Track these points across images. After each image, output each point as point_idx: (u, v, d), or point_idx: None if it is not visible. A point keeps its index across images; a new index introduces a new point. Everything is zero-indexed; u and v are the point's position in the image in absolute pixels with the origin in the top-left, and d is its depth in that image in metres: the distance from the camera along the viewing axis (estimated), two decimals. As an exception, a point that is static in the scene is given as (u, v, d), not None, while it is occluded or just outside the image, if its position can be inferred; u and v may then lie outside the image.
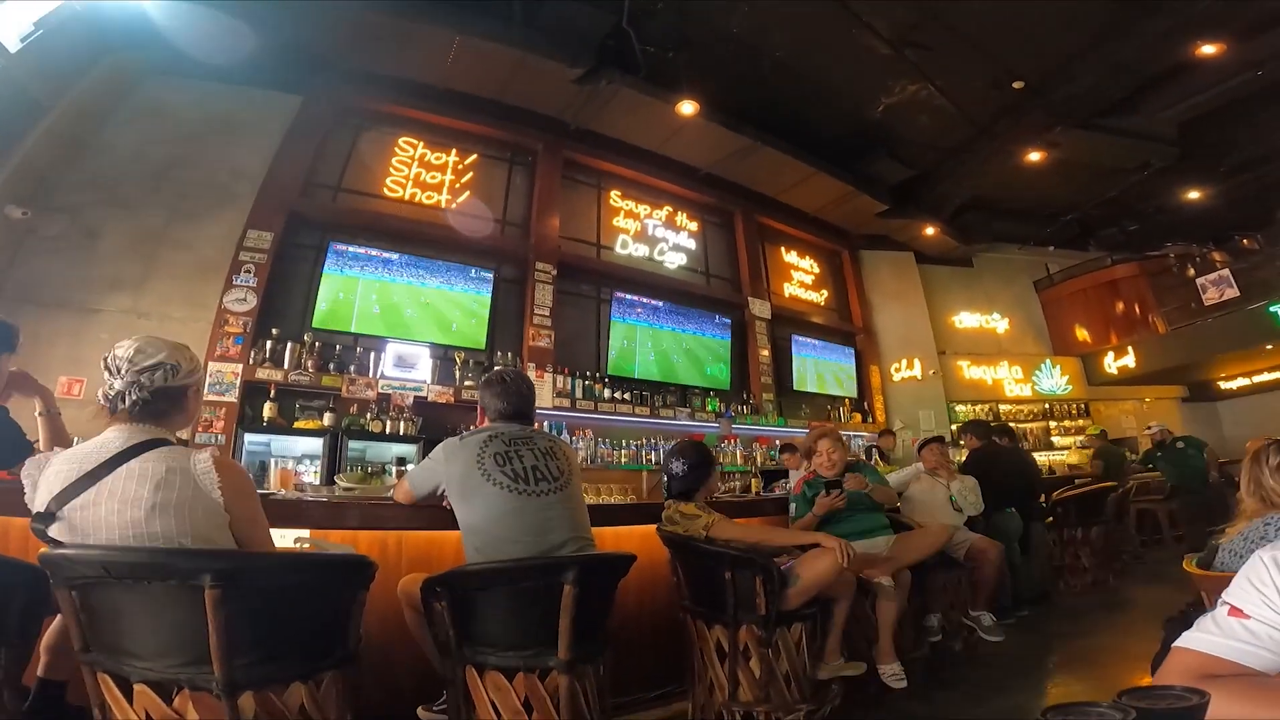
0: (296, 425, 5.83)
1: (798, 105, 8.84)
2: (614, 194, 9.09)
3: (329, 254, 6.61)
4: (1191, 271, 11.73)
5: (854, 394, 10.69)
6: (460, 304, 7.17)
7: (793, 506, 3.89)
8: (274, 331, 6.01)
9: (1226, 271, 10.98)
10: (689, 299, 9.15)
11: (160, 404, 1.71)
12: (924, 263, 12.24)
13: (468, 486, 2.34)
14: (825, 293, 11.25)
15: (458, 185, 7.73)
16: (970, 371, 12.18)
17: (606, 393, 7.59)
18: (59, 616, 1.87)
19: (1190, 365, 11.98)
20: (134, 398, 1.67)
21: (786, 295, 10.54)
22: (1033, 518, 5.60)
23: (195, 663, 1.48)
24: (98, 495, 1.55)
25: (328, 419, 5.86)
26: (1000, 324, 12.76)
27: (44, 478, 1.61)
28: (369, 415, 6.08)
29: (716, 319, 9.26)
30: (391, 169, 7.42)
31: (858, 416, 10.30)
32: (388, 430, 6.07)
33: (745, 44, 7.71)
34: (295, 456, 5.79)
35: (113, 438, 1.65)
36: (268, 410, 5.71)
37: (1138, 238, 12.95)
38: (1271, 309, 10.12)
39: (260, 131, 6.62)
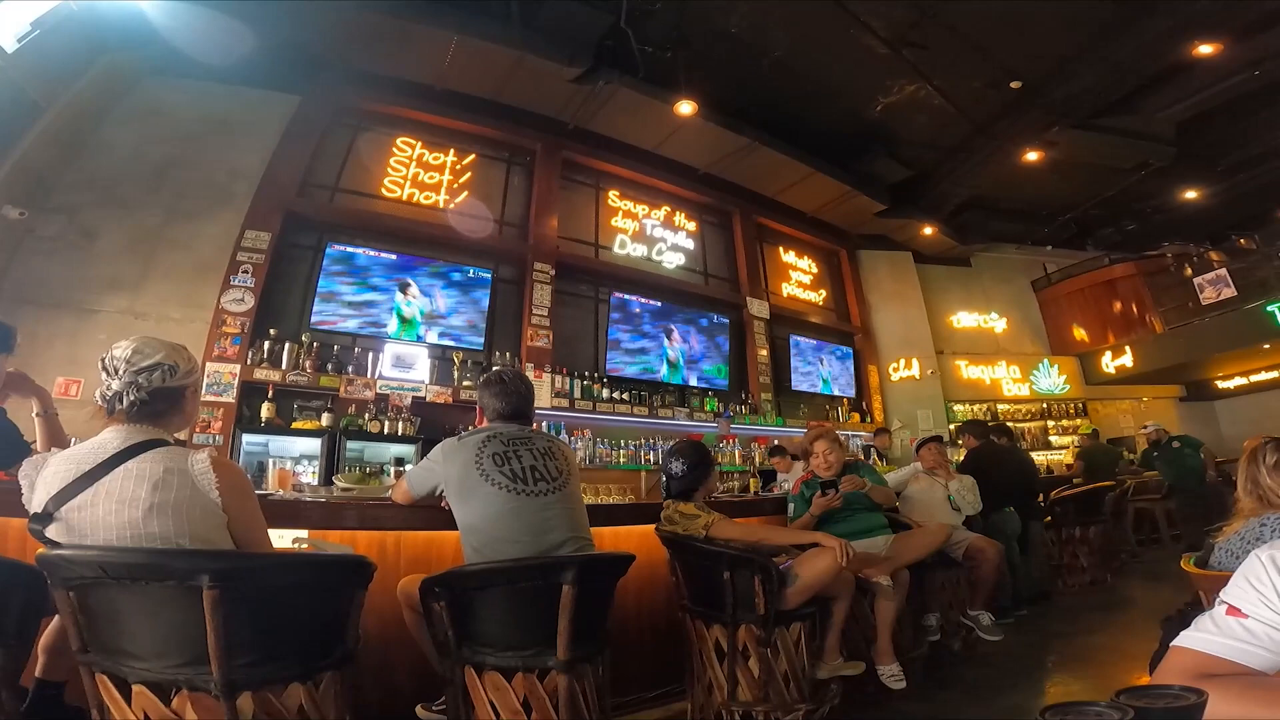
0: (294, 426, 5.82)
1: (796, 105, 8.84)
2: (612, 194, 9.09)
3: (327, 254, 6.60)
4: (1189, 271, 11.75)
5: (852, 394, 10.69)
6: (458, 304, 7.16)
7: (791, 506, 3.89)
8: (272, 332, 6.01)
9: (1224, 271, 10.99)
10: (687, 299, 9.14)
11: (158, 404, 1.70)
12: (922, 262, 12.26)
13: (466, 487, 2.34)
14: (823, 292, 11.26)
15: (456, 185, 7.72)
16: (968, 371, 12.19)
17: (605, 393, 7.59)
18: (57, 617, 1.86)
19: (1188, 365, 12.00)
20: (132, 398, 1.66)
21: (785, 295, 10.54)
22: (1031, 517, 5.61)
23: (193, 663, 1.48)
24: (95, 496, 1.55)
25: (326, 419, 5.85)
26: (998, 324, 12.77)
27: (41, 478, 1.60)
28: (367, 415, 6.07)
29: (715, 318, 9.25)
30: (389, 169, 7.41)
31: (856, 416, 10.30)
32: (386, 430, 6.06)
33: (743, 44, 7.71)
34: (293, 457, 5.79)
35: (110, 438, 1.64)
36: (265, 410, 5.70)
37: (1135, 237, 12.98)
38: (1269, 308, 10.13)
39: (258, 131, 6.62)
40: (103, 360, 1.68)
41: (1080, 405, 12.61)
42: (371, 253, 6.80)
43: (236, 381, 5.68)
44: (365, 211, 7.13)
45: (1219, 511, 2.25)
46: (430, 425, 6.29)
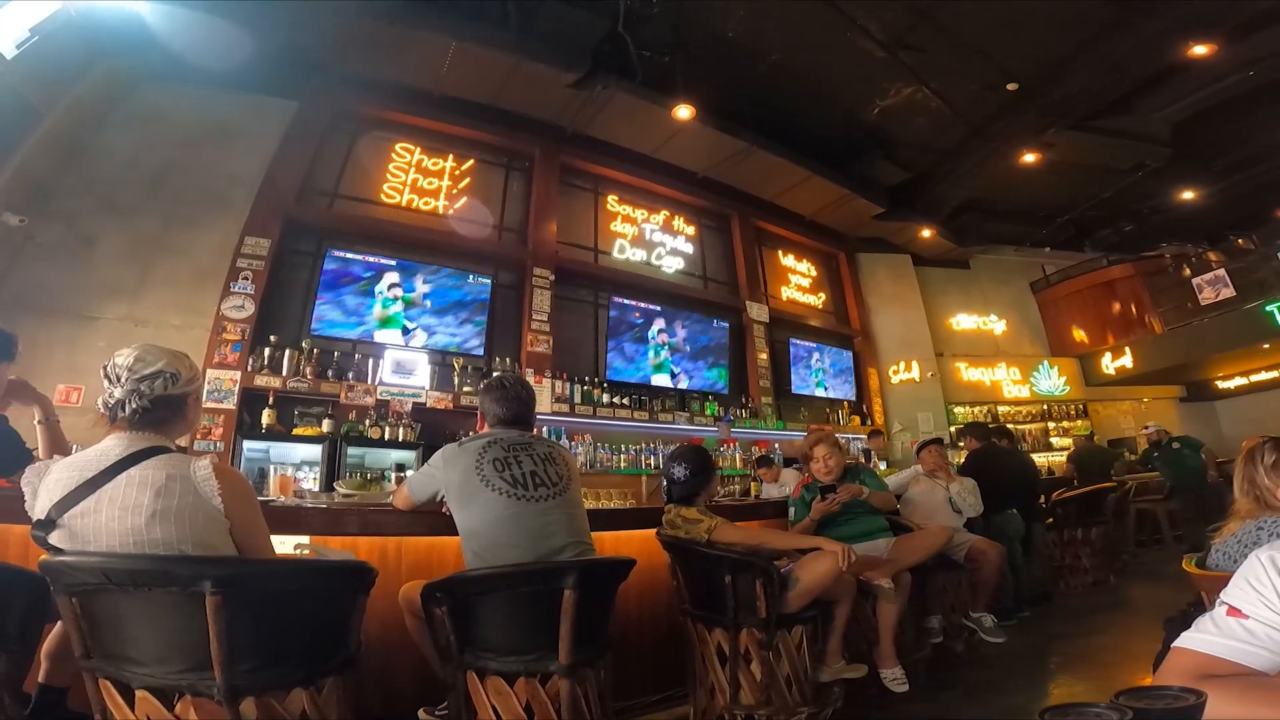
0: (295, 432, 5.83)
1: (793, 108, 8.87)
2: (611, 199, 9.11)
3: (327, 260, 6.60)
4: (1187, 271, 11.78)
5: (852, 397, 10.69)
6: (458, 309, 7.16)
7: (791, 511, 3.89)
8: (272, 338, 6.01)
9: (1222, 271, 11.02)
10: (687, 303, 9.15)
11: (160, 412, 1.71)
12: (921, 265, 12.28)
13: (466, 492, 2.34)
14: (823, 296, 11.27)
15: (455, 191, 7.74)
16: (968, 373, 12.21)
17: (605, 397, 7.59)
18: (60, 623, 1.87)
19: (1187, 365, 12.01)
20: (134, 406, 1.67)
21: (784, 299, 10.56)
22: (1033, 519, 5.61)
23: (197, 669, 1.49)
24: (98, 502, 1.55)
25: (326, 425, 5.86)
26: (997, 325, 12.79)
27: (44, 485, 1.60)
28: (368, 421, 6.07)
29: (714, 322, 9.26)
30: (388, 175, 7.43)
31: (856, 419, 10.30)
32: (386, 436, 6.06)
33: (740, 47, 7.74)
34: (294, 463, 5.78)
35: (112, 445, 1.65)
36: (266, 417, 5.70)
37: (1133, 238, 13.00)
38: (1268, 308, 10.15)
39: (256, 137, 6.63)
40: (104, 368, 1.69)
41: (1081, 406, 12.62)
42: (371, 259, 6.80)
43: (237, 388, 5.68)
44: (364, 218, 7.14)
45: (1219, 512, 2.21)
46: (431, 431, 6.29)
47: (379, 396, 6.23)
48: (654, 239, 9.25)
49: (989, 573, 4.19)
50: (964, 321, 12.58)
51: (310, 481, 5.49)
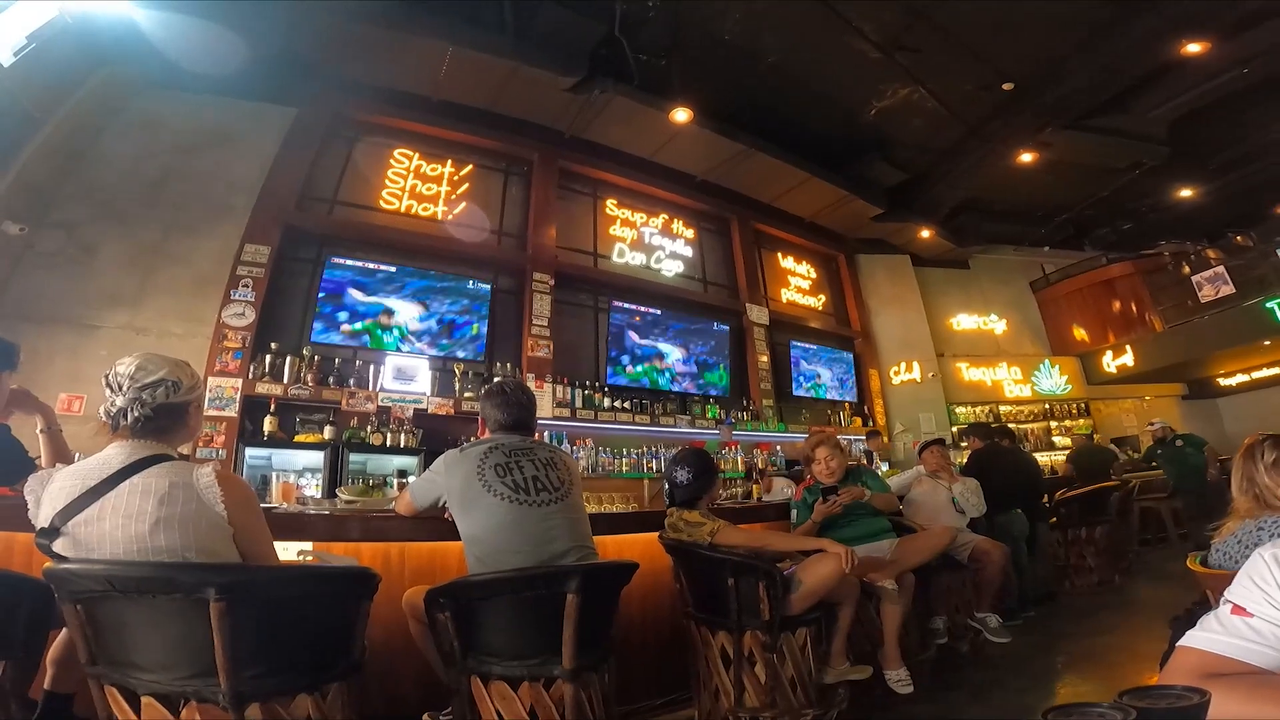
0: (297, 439, 5.82)
1: (791, 111, 8.89)
2: (610, 203, 9.12)
3: (326, 270, 6.61)
4: (1187, 269, 11.79)
5: (854, 398, 10.69)
6: (458, 315, 7.17)
7: (794, 513, 3.89)
8: (273, 346, 6.02)
9: (1221, 269, 11.03)
10: (687, 306, 9.15)
11: (162, 420, 1.72)
12: (920, 265, 12.28)
13: (468, 498, 2.35)
14: (823, 298, 11.28)
15: (454, 196, 7.74)
16: (969, 373, 12.20)
17: (606, 402, 7.59)
18: (65, 630, 1.88)
19: (1188, 363, 12.01)
20: (136, 414, 1.68)
21: (784, 301, 10.57)
22: (1036, 518, 5.61)
23: (202, 675, 1.49)
24: (101, 510, 1.56)
25: (328, 432, 5.85)
26: (998, 325, 12.79)
27: (47, 493, 1.61)
28: (369, 428, 6.07)
29: (715, 325, 9.26)
30: (387, 181, 7.43)
31: (858, 420, 10.29)
32: (388, 443, 6.06)
33: (737, 50, 7.76)
34: (296, 470, 5.78)
35: (114, 454, 1.66)
36: (268, 424, 5.70)
37: (1132, 237, 13.01)
38: (1268, 305, 10.15)
39: (255, 144, 6.64)
40: (106, 377, 1.70)
41: (1083, 405, 12.61)
42: (371, 265, 6.81)
43: (238, 396, 5.68)
44: (364, 224, 7.15)
45: (1221, 510, 2.19)
46: (432, 437, 6.28)
47: (380, 403, 6.24)
48: (653, 243, 9.26)
49: (993, 573, 4.18)
50: (964, 321, 12.58)
51: (312, 488, 5.50)
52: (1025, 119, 9.05)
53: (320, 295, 6.51)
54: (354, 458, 5.92)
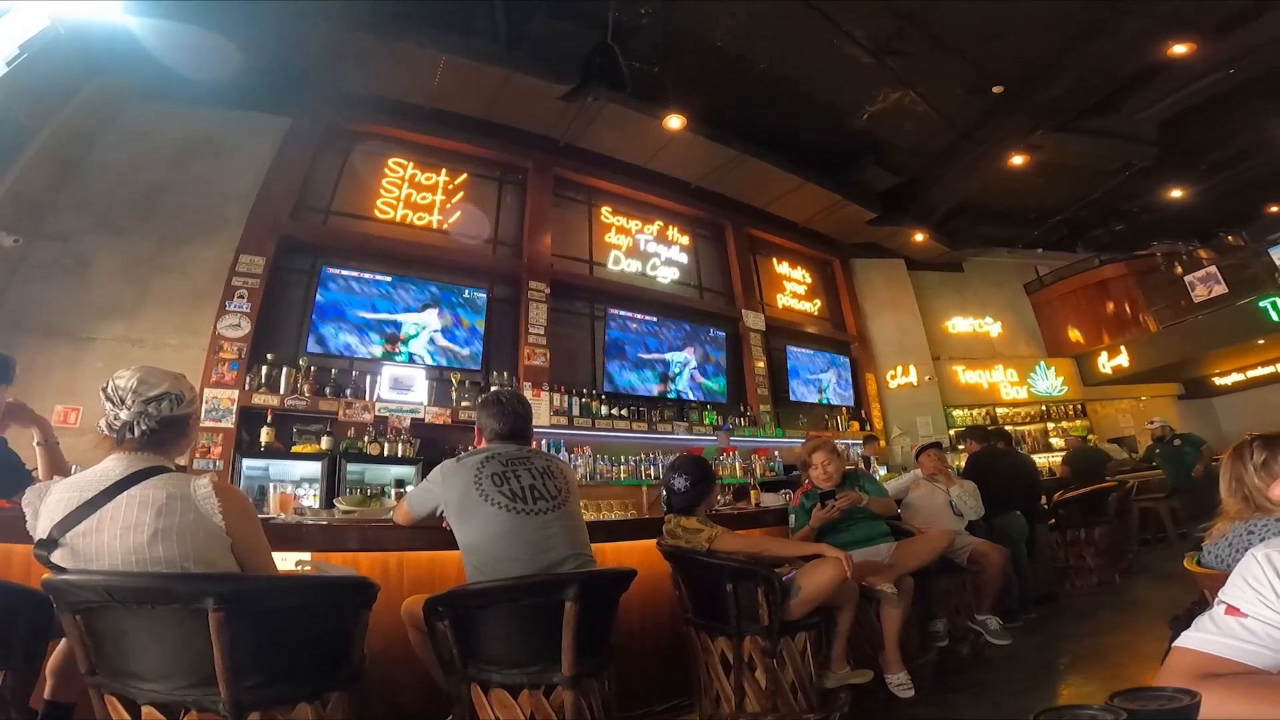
0: (294, 449, 5.81)
1: (784, 116, 8.93)
2: (605, 210, 9.14)
3: (322, 277, 6.60)
4: (1179, 269, 11.84)
5: (851, 402, 10.70)
6: (454, 324, 7.17)
7: (792, 518, 3.89)
8: (269, 356, 6.01)
9: (1214, 268, 11.08)
10: (683, 313, 9.16)
11: (166, 433, 1.74)
12: (915, 269, 12.31)
13: (465, 507, 2.35)
14: (818, 302, 11.30)
15: (449, 205, 7.75)
16: (966, 376, 12.22)
17: (604, 409, 7.58)
18: (64, 640, 1.88)
19: (1183, 363, 12.05)
20: (144, 428, 1.70)
21: (780, 306, 10.58)
22: (1035, 520, 5.62)
23: (201, 684, 1.50)
24: (100, 522, 1.57)
25: (325, 442, 5.85)
26: (993, 327, 12.82)
27: (45, 505, 1.62)
28: (367, 438, 6.05)
29: (711, 332, 9.27)
30: (382, 190, 7.43)
31: (855, 425, 10.30)
32: (386, 452, 6.05)
33: (729, 56, 7.79)
34: (294, 480, 5.76)
35: (111, 466, 1.67)
36: (265, 435, 5.69)
37: (1124, 238, 13.08)
38: (1260, 304, 10.21)
39: (249, 154, 6.63)
40: (105, 390, 1.71)
41: (1079, 406, 12.63)
42: (366, 275, 6.80)
43: (235, 407, 5.66)
44: (359, 234, 7.15)
45: (1215, 508, 2.16)
46: (430, 446, 6.28)
47: (377, 413, 6.22)
48: (648, 250, 9.27)
49: (992, 575, 4.19)
50: (959, 324, 12.61)
51: (310, 498, 5.47)
52: (1016, 121, 9.11)
53: (316, 305, 6.50)
54: (351, 468, 5.90)
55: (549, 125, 8.18)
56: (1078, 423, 12.36)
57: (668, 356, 8.66)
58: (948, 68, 8.12)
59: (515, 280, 7.83)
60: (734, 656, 2.79)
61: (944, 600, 4.07)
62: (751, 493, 6.66)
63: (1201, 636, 1.08)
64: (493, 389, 5.18)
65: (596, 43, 7.04)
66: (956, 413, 11.72)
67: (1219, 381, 13.22)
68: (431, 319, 7.04)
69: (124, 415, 1.68)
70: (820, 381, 10.33)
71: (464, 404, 6.65)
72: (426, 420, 6.45)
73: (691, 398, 8.71)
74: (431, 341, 6.97)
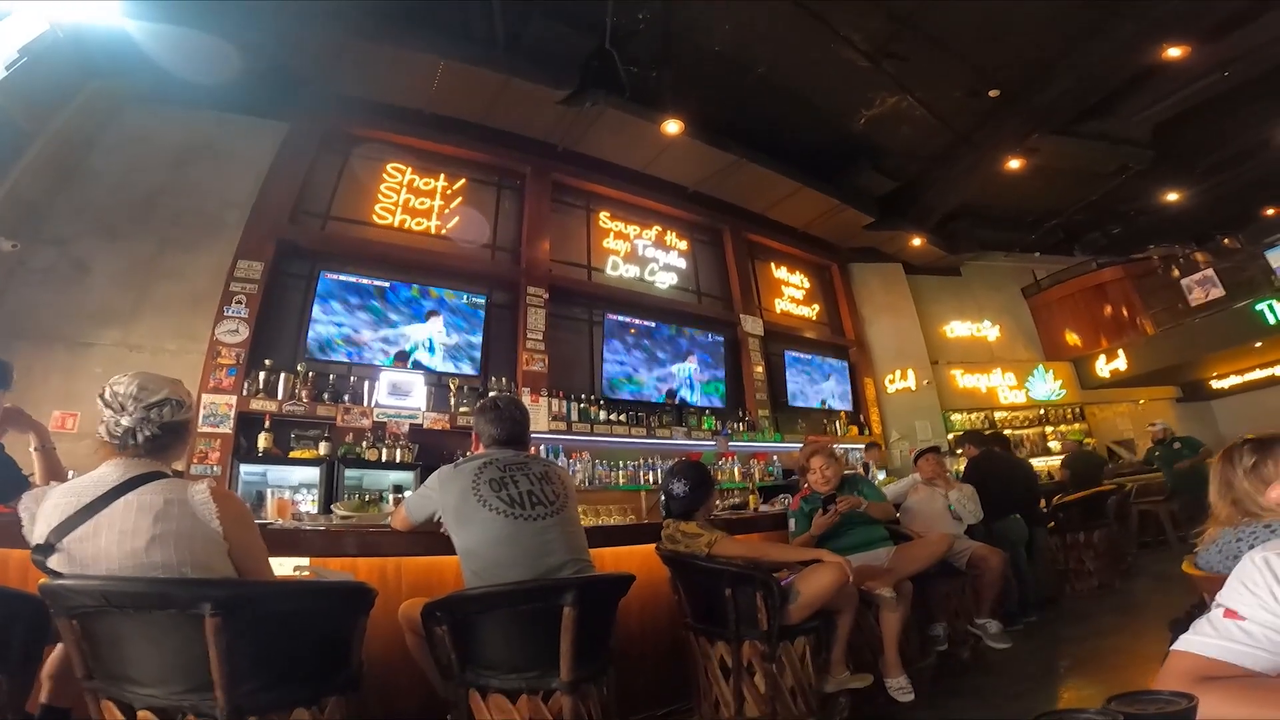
0: (292, 455, 5.80)
1: (781, 121, 8.95)
2: (603, 215, 9.14)
3: (320, 282, 6.60)
4: (1176, 273, 11.85)
5: (849, 407, 10.70)
6: (453, 330, 7.17)
7: (792, 523, 3.89)
8: (267, 362, 6.00)
9: (1210, 271, 11.09)
10: (681, 318, 9.16)
11: (166, 438, 1.74)
12: (913, 273, 12.33)
13: (463, 513, 2.35)
14: (816, 307, 11.31)
15: (447, 210, 7.75)
16: (964, 380, 12.22)
17: (602, 414, 7.58)
18: (61, 644, 1.88)
19: (1181, 366, 12.05)
20: (146, 434, 1.69)
21: (778, 311, 10.59)
22: (1035, 523, 5.62)
23: (199, 689, 1.50)
24: (97, 527, 1.57)
25: (323, 448, 5.83)
26: (991, 331, 12.83)
27: (42, 511, 1.62)
28: (364, 443, 6.05)
29: (709, 337, 9.27)
30: (380, 195, 7.44)
31: (854, 429, 10.30)
32: (384, 458, 6.04)
33: (727, 61, 7.82)
34: (292, 486, 5.75)
35: (109, 472, 1.67)
36: (263, 441, 5.68)
37: (1121, 241, 13.12)
38: (1257, 307, 10.21)
39: (247, 159, 6.63)
40: (103, 397, 1.70)
41: (1078, 410, 12.64)
42: (365, 280, 6.80)
43: (233, 413, 5.65)
44: (357, 239, 7.15)
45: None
46: (428, 452, 6.26)
47: (375, 418, 6.22)
48: (647, 255, 9.28)
49: (992, 579, 4.19)
50: (958, 328, 12.62)
51: (308, 504, 5.47)
52: (1012, 125, 9.15)
53: (314, 310, 6.49)
54: (349, 473, 5.90)
55: (547, 130, 8.19)
56: (1076, 426, 12.35)
57: (672, 369, 8.65)
58: (944, 71, 8.15)
59: (514, 286, 7.82)
60: (733, 661, 2.78)
61: (943, 604, 4.06)
62: (750, 498, 6.67)
63: (1200, 640, 1.08)
64: (490, 394, 5.19)
65: (594, 47, 7.05)
66: (955, 417, 11.72)
67: (1217, 385, 13.23)
68: (430, 325, 7.03)
69: (125, 421, 1.68)
70: (819, 386, 10.32)
71: (462, 409, 6.64)
72: (425, 426, 6.44)
73: (690, 403, 8.70)
74: (430, 347, 6.97)
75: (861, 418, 10.70)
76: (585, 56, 7.14)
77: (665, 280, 9.31)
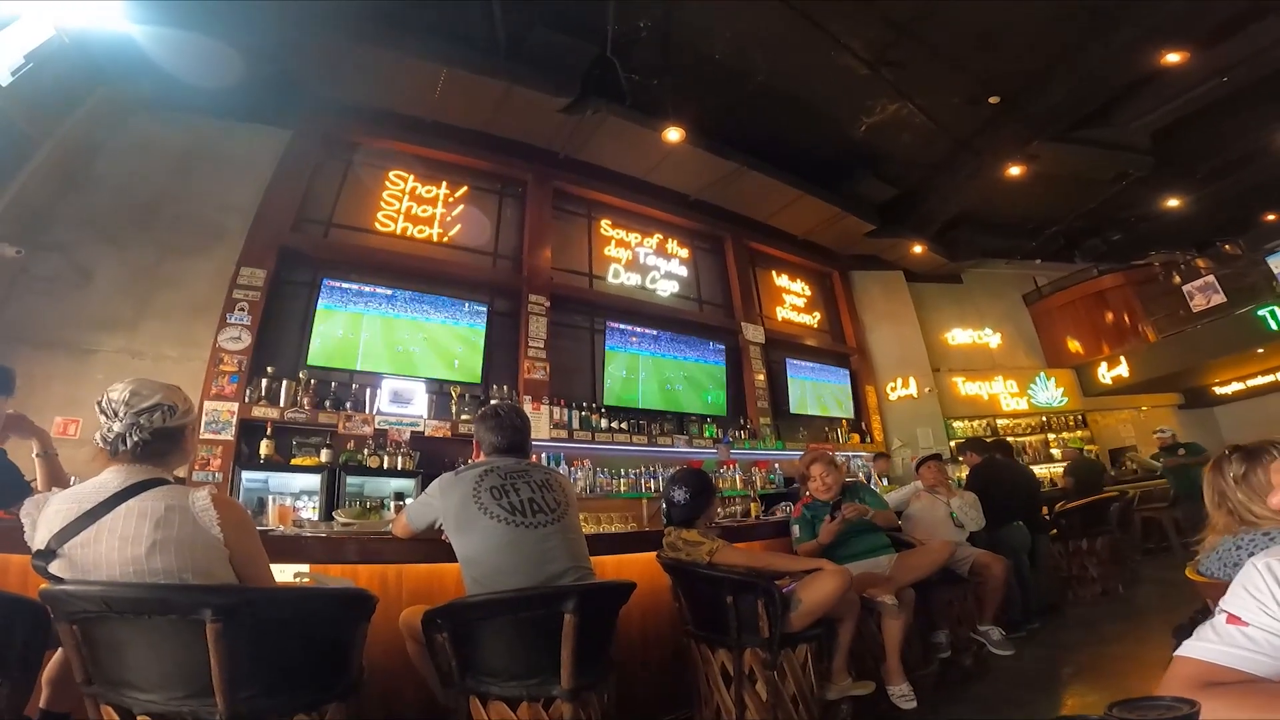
0: (294, 462, 5.80)
1: (782, 128, 8.98)
2: (604, 223, 9.16)
3: (323, 290, 6.61)
4: (1177, 279, 11.83)
5: (851, 415, 10.69)
6: (455, 338, 7.17)
7: (795, 529, 3.88)
8: (269, 369, 6.00)
9: (1212, 278, 11.07)
10: (682, 326, 9.16)
11: (159, 444, 1.73)
12: (914, 281, 12.34)
13: (464, 520, 2.35)
14: (817, 315, 11.31)
15: (449, 218, 7.77)
16: (966, 387, 12.20)
17: (604, 423, 7.57)
18: (60, 649, 1.88)
19: (1183, 372, 12.02)
20: (135, 439, 1.69)
21: (779, 319, 10.60)
22: (1037, 530, 5.60)
23: (198, 695, 1.50)
24: (98, 533, 1.57)
25: (325, 455, 5.83)
26: (993, 339, 12.83)
27: (43, 517, 1.62)
28: (366, 451, 6.05)
29: (711, 345, 9.27)
30: (382, 203, 7.46)
31: (856, 437, 10.28)
32: (385, 465, 6.04)
33: (727, 69, 7.86)
34: (293, 493, 5.75)
35: (110, 478, 1.67)
36: (264, 447, 5.68)
37: (1121, 248, 13.12)
38: (1259, 313, 10.20)
39: (250, 166, 6.66)
40: (99, 403, 1.71)
41: (1080, 417, 12.60)
42: (366, 288, 6.81)
43: (235, 420, 5.65)
44: (359, 246, 7.16)
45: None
46: (429, 459, 6.26)
47: (377, 426, 6.22)
48: (648, 263, 9.29)
49: (994, 586, 4.18)
50: (959, 336, 12.62)
51: (309, 511, 5.46)
52: (1012, 132, 9.17)
53: (316, 317, 6.50)
54: (351, 480, 5.90)
55: (549, 138, 8.22)
56: (1078, 433, 12.32)
57: (673, 376, 8.65)
58: (944, 78, 8.19)
59: (515, 293, 7.83)
60: (735, 669, 2.77)
61: (946, 611, 4.05)
62: (751, 505, 6.66)
63: (1203, 645, 1.08)
64: (491, 402, 5.19)
65: (596, 56, 7.10)
66: (957, 424, 11.70)
67: (1219, 391, 13.18)
68: (432, 332, 7.03)
69: (116, 427, 1.68)
70: (820, 394, 10.30)
71: (463, 417, 6.64)
72: (426, 433, 6.44)
73: (691, 411, 8.69)
74: (431, 354, 6.97)
75: (863, 425, 10.69)
76: (586, 65, 7.19)
77: (666, 288, 9.32)
